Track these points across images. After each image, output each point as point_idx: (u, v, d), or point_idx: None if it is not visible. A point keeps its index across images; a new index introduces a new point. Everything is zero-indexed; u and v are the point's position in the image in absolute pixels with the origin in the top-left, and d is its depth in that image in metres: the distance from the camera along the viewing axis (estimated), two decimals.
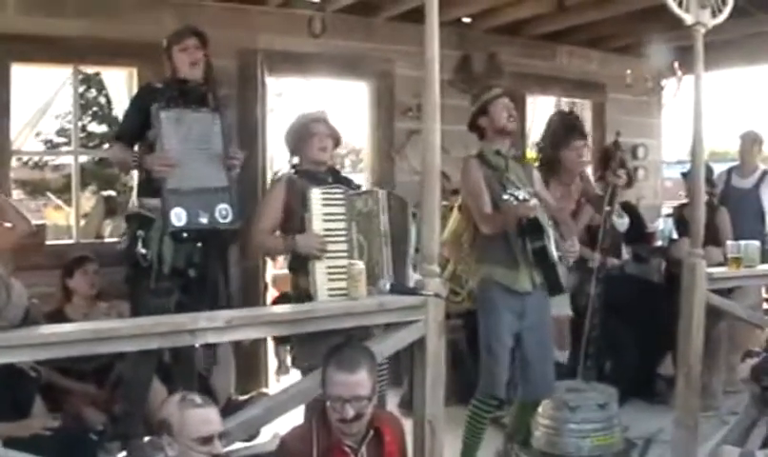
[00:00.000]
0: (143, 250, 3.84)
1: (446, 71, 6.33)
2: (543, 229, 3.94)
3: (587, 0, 5.82)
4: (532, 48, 7.25)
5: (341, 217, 3.59)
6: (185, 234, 3.85)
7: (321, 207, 3.57)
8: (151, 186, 3.90)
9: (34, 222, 7.85)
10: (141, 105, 4.04)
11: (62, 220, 10.85)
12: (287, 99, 14.17)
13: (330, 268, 3.52)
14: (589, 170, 5.55)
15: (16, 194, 16.13)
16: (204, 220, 3.87)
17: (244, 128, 5.73)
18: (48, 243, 5.65)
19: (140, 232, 3.87)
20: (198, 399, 2.69)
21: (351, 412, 2.81)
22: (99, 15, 5.33)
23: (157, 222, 3.86)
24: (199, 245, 3.94)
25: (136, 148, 4.05)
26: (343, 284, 3.39)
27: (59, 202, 11.80)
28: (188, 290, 3.94)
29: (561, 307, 5.07)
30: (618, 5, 6.02)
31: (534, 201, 3.82)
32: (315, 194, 3.58)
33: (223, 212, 3.92)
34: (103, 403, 4.49)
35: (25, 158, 12.76)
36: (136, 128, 4.03)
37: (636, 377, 5.66)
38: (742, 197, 6.19)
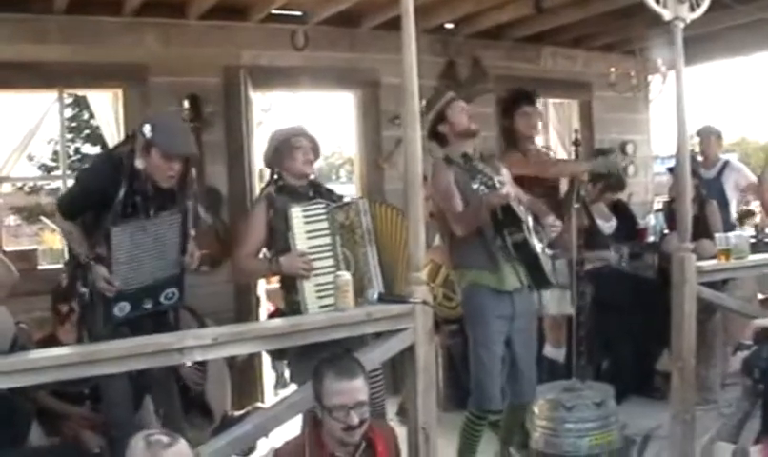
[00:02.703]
0: (83, 289, 3.68)
1: (431, 78, 6.41)
2: (521, 220, 3.87)
3: (564, 2, 5.83)
4: (515, 50, 7.27)
5: (325, 232, 3.55)
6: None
7: (303, 225, 3.54)
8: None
9: (30, 247, 7.93)
10: (100, 189, 3.63)
11: (58, 243, 10.89)
12: (275, 113, 14.22)
13: (318, 285, 3.50)
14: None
15: (12, 220, 16.29)
16: (148, 306, 3.72)
17: (230, 144, 5.78)
18: (40, 267, 5.67)
19: (79, 271, 3.69)
20: (165, 438, 2.47)
21: (356, 419, 2.83)
22: (82, 40, 5.35)
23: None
24: None
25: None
26: (333, 299, 3.39)
27: (53, 225, 11.82)
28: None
29: (563, 305, 5.08)
30: (598, 3, 6.04)
31: (506, 188, 3.72)
32: (296, 213, 3.54)
33: (169, 295, 3.78)
34: (100, 425, 4.48)
35: (20, 183, 12.81)
36: (89, 206, 3.70)
37: (634, 374, 5.67)
38: (708, 187, 6.26)
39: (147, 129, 3.55)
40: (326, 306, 3.47)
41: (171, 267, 3.76)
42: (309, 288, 3.51)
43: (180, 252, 3.76)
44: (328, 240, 3.56)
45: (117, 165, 3.64)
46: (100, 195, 3.62)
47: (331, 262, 3.55)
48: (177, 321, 3.98)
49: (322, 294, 3.50)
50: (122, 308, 3.65)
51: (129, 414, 3.88)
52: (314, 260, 3.53)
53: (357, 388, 2.85)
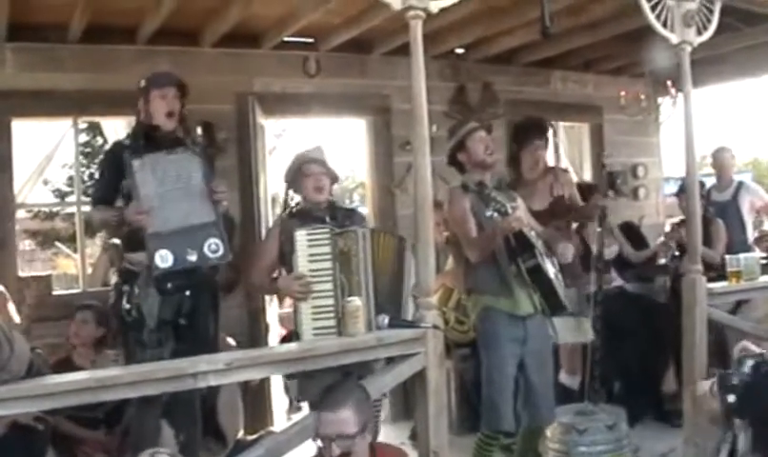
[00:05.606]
0: (126, 306, 3.76)
1: (442, 103, 6.45)
2: (533, 245, 3.94)
3: (573, 26, 5.86)
4: (526, 75, 7.31)
5: (327, 257, 3.57)
6: (169, 285, 3.75)
7: (306, 247, 3.58)
8: (135, 239, 3.77)
9: (44, 272, 7.97)
10: (113, 161, 3.90)
11: (72, 269, 10.93)
12: (288, 139, 14.35)
13: (315, 307, 3.53)
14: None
15: (27, 245, 16.36)
16: (193, 257, 3.72)
17: (242, 170, 5.82)
18: (55, 293, 5.70)
19: (125, 287, 3.80)
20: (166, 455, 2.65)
21: (336, 451, 2.82)
22: (96, 67, 5.42)
23: (141, 275, 3.76)
24: (188, 294, 3.85)
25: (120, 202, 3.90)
26: (330, 322, 3.45)
27: (69, 251, 11.88)
28: (181, 338, 3.83)
29: (577, 334, 5.05)
30: (607, 27, 6.08)
31: (518, 212, 3.86)
32: (300, 235, 3.59)
33: (213, 247, 3.77)
34: (115, 450, 4.50)
35: (35, 209, 12.87)
36: (113, 185, 3.89)
37: (646, 397, 5.65)
38: (723, 210, 6.27)
39: (142, 82, 3.99)
40: (320, 328, 3.51)
41: (205, 212, 3.82)
42: (305, 310, 3.54)
43: (208, 195, 3.83)
44: (329, 264, 3.57)
45: (119, 140, 4.14)
46: (115, 162, 3.84)
47: (329, 286, 3.56)
48: (217, 332, 4.13)
49: (318, 317, 3.52)
50: (164, 258, 3.67)
51: (153, 445, 3.92)
52: (314, 283, 3.55)
53: (341, 420, 2.84)
